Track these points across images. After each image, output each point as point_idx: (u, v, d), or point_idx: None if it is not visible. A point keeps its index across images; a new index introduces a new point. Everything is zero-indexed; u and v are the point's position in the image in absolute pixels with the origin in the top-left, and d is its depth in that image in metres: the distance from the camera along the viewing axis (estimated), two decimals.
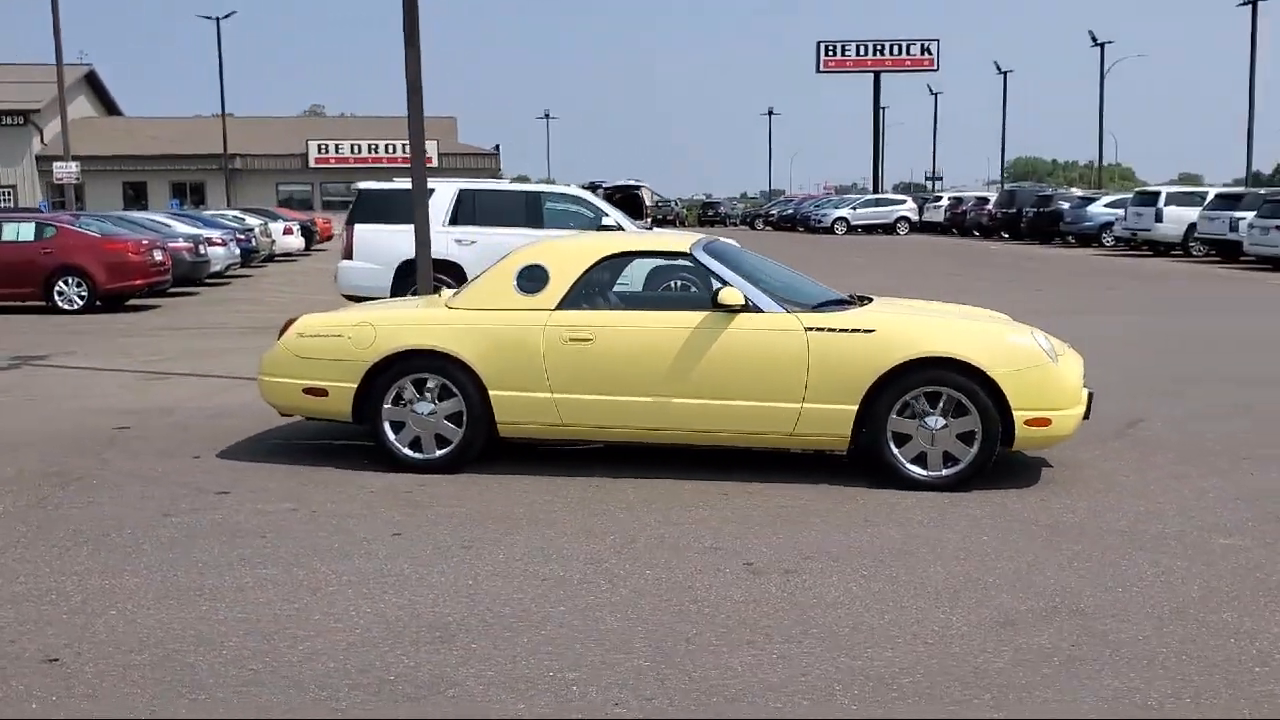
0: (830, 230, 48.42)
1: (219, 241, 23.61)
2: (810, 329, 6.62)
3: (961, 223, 45.54)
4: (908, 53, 54.29)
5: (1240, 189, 32.38)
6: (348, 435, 7.98)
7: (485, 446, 6.99)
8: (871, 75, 54.56)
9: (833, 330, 6.60)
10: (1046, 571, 5.06)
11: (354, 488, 6.61)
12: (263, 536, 5.64)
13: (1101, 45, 50.82)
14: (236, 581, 4.94)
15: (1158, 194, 32.08)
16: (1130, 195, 34.42)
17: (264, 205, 44.36)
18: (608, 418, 6.82)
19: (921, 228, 48.82)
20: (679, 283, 10.50)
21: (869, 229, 48.85)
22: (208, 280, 23.45)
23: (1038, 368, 6.49)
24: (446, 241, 14.54)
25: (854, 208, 49.91)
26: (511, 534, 5.66)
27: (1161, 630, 4.34)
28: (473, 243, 14.56)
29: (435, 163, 50.70)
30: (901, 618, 4.48)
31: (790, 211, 55.57)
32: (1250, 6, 39.67)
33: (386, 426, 7.02)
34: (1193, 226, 30.97)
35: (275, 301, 19.85)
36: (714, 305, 6.70)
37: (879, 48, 53.96)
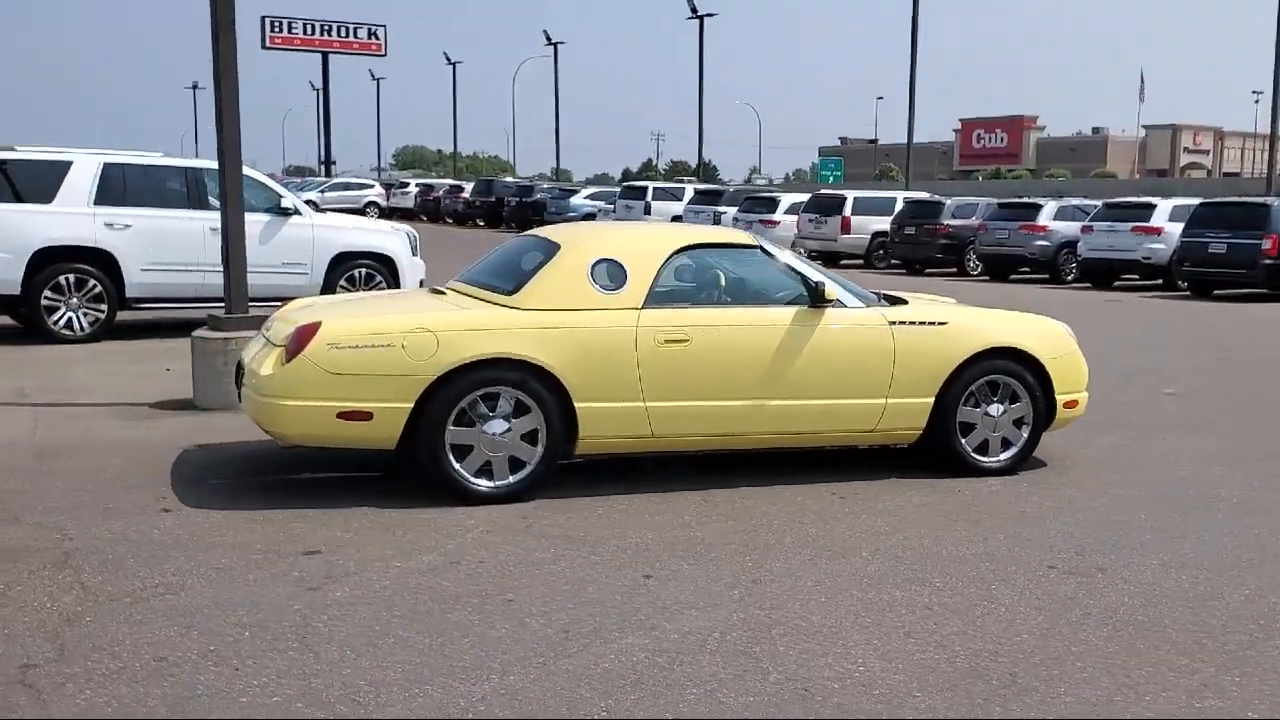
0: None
1: None
2: (893, 323, 6.58)
3: (435, 210, 45.93)
4: (355, 35, 53.34)
5: (719, 186, 36.17)
6: (283, 466, 6.53)
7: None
8: (320, 55, 52.90)
9: (913, 324, 6.63)
10: (1248, 536, 5.54)
11: (455, 530, 5.46)
12: (508, 600, 4.51)
13: (555, 45, 53.86)
14: (626, 660, 3.96)
15: (645, 189, 34.83)
16: (618, 190, 37.01)
17: None
18: (700, 425, 6.27)
19: (390, 213, 48.38)
20: None
21: (337, 213, 47.51)
22: None
23: (1071, 353, 7.02)
24: (94, 226, 12.12)
25: (322, 191, 48.16)
26: (764, 562, 5.06)
27: None
28: (127, 226, 12.27)
29: None
30: None
31: None
32: (698, 21, 44.37)
33: (450, 453, 5.87)
34: (677, 219, 34.03)
35: None
36: (817, 300, 6.42)
37: (326, 28, 52.42)
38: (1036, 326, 7.01)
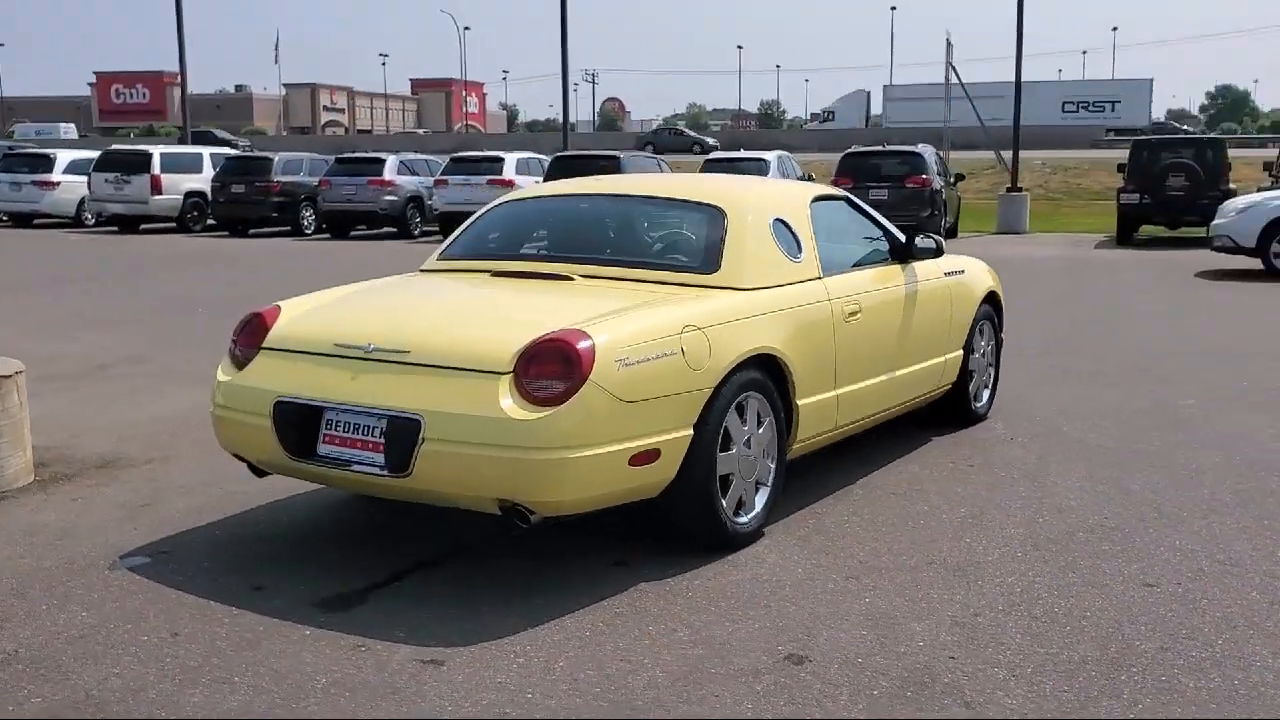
0: None
1: None
2: (947, 274, 6.18)
3: None
4: None
5: None
6: (310, 560, 4.33)
7: None
8: None
9: (953, 274, 6.29)
10: None
11: (807, 595, 4.06)
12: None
13: None
14: None
15: None
16: None
17: None
18: (862, 409, 5.31)
19: None
20: None
21: None
22: None
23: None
24: None
25: None
26: (1125, 555, 4.52)
27: None
28: None
29: None
30: None
31: None
32: None
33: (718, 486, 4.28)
34: None
35: None
36: (906, 255, 5.76)
37: None
38: (988, 268, 7.01)
